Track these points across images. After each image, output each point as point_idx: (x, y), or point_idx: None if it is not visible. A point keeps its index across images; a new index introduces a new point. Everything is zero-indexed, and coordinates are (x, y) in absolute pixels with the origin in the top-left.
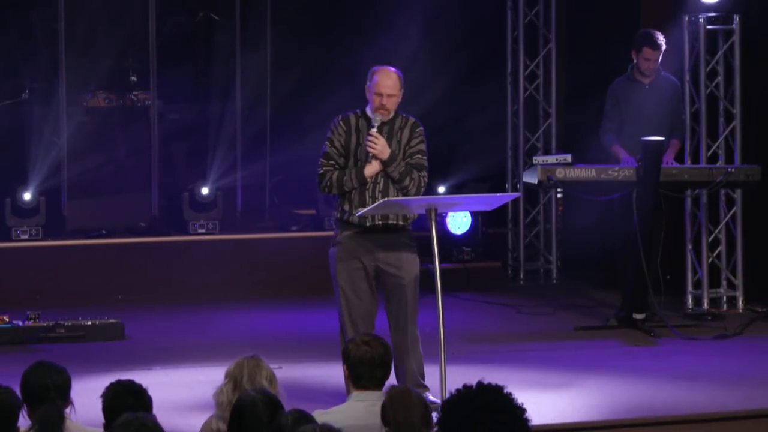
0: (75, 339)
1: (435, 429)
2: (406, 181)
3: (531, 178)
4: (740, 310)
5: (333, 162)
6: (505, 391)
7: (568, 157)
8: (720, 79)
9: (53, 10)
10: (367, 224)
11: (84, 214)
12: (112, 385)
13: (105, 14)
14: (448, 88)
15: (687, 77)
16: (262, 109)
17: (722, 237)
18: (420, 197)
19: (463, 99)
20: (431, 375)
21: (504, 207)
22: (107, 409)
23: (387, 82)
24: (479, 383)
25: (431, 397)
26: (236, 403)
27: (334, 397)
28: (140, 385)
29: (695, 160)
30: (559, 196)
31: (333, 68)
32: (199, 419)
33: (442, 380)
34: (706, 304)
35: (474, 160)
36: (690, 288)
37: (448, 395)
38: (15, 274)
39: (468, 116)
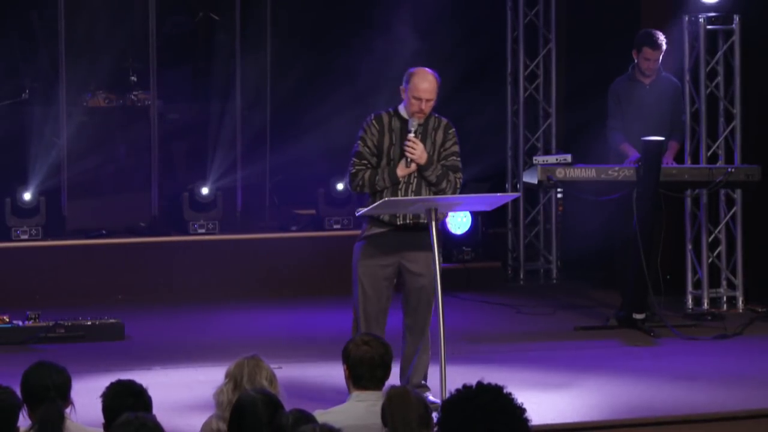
0: (75, 339)
1: (435, 429)
2: (443, 184)
3: (531, 178)
4: (740, 310)
5: (365, 161)
6: (505, 391)
7: (568, 157)
8: (720, 79)
9: (53, 10)
10: (398, 222)
11: (84, 214)
12: (112, 385)
13: (105, 14)
14: (448, 88)
15: (687, 77)
16: (262, 109)
17: (722, 237)
18: (420, 197)
19: (463, 99)
20: (431, 375)
21: (504, 207)
22: (107, 409)
23: (426, 85)
24: (479, 383)
25: (431, 397)
26: (236, 403)
27: (334, 397)
28: (140, 385)
29: (695, 160)
30: (559, 196)
31: (333, 68)
32: (199, 419)
33: (442, 380)
34: (706, 304)
35: (474, 160)
36: (690, 288)
37: (448, 395)
38: (15, 274)
39: (468, 116)
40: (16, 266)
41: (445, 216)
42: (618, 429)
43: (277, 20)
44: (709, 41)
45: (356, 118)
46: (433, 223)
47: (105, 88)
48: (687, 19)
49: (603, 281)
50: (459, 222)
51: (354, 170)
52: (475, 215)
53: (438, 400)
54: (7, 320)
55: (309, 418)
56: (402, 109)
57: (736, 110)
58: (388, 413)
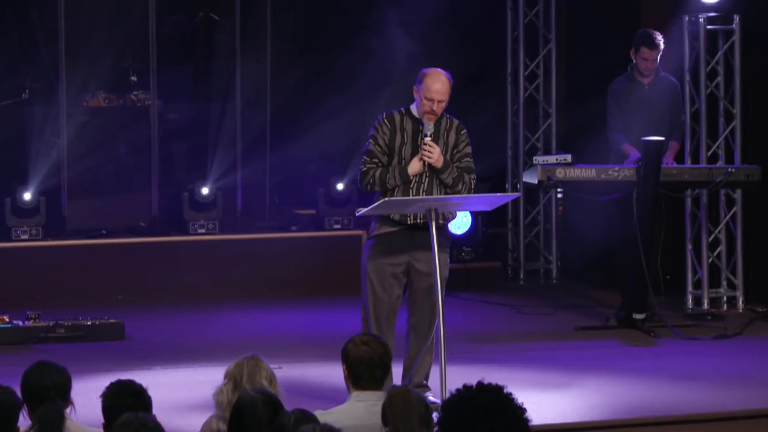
0: (75, 339)
1: (435, 429)
2: (459, 186)
3: (531, 178)
4: (740, 310)
5: (376, 160)
6: (505, 391)
7: (568, 157)
8: (720, 79)
9: (53, 10)
10: (409, 222)
11: (84, 214)
12: (112, 384)
13: (105, 14)
14: None
15: (687, 77)
16: (262, 108)
17: (722, 237)
18: (420, 197)
19: (463, 99)
20: (431, 375)
21: (504, 207)
22: (107, 409)
23: (438, 87)
24: (479, 383)
25: (431, 397)
26: (236, 403)
27: (334, 397)
28: (140, 385)
29: (695, 160)
30: (559, 196)
31: (333, 68)
32: (199, 419)
33: (442, 380)
34: (706, 304)
35: (474, 160)
36: (690, 288)
37: (448, 395)
38: (15, 274)
39: (468, 116)
40: (16, 266)
41: (454, 216)
42: (618, 429)
43: (277, 20)
44: (709, 41)
45: (356, 118)
46: (433, 223)
47: (105, 88)
48: (687, 19)
49: (603, 281)
50: (459, 222)
51: (365, 168)
52: (475, 215)
53: (438, 400)
54: (7, 320)
55: (310, 418)
56: (414, 109)
57: (736, 110)
58: (389, 413)
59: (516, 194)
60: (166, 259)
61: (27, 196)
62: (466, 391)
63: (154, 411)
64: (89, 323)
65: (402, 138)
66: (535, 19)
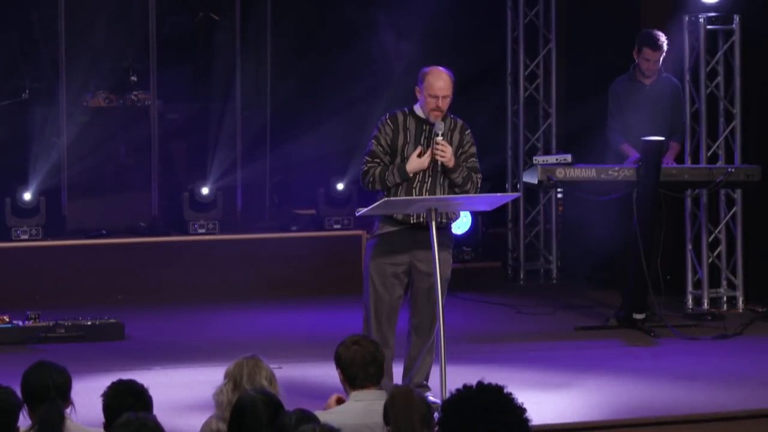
0: (75, 339)
1: (435, 429)
2: (468, 185)
3: (531, 178)
4: (740, 310)
5: (378, 160)
6: (505, 391)
7: (568, 157)
8: (720, 79)
9: (53, 10)
10: (412, 221)
11: (84, 214)
12: (113, 384)
13: (105, 14)
14: None
15: (687, 77)
16: (262, 108)
17: (722, 237)
18: (420, 197)
19: (463, 99)
20: (431, 375)
21: (504, 207)
22: (107, 408)
23: (440, 83)
24: (479, 383)
25: (431, 397)
26: (236, 403)
27: None
28: (141, 385)
29: (695, 160)
30: (559, 196)
31: (333, 68)
32: (199, 419)
33: (443, 380)
34: (706, 304)
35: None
36: (690, 288)
37: (448, 395)
38: (15, 274)
39: (468, 116)
40: (17, 266)
41: (457, 216)
42: (618, 429)
43: (277, 20)
44: (709, 41)
45: (356, 118)
46: (433, 223)
47: (105, 88)
48: (687, 19)
49: (603, 281)
50: (459, 222)
51: (366, 168)
52: (475, 215)
53: (438, 400)
54: (7, 320)
55: (311, 418)
56: (417, 109)
57: (736, 110)
58: (390, 412)
59: (516, 194)
60: (166, 259)
61: (27, 196)
62: (466, 391)
63: (154, 411)
64: (89, 323)
65: (405, 137)
66: (535, 19)
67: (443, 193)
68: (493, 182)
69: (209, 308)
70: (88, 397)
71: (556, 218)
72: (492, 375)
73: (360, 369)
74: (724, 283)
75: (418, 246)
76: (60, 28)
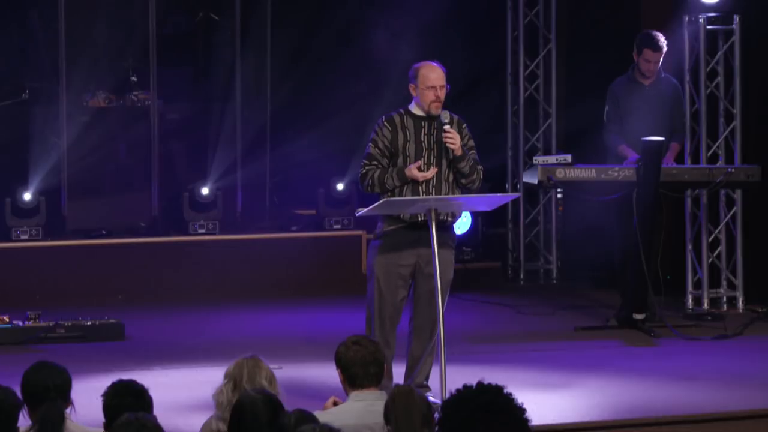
0: (75, 339)
1: (436, 429)
2: (474, 175)
3: (531, 178)
4: (740, 311)
5: (375, 162)
6: (505, 391)
7: (568, 157)
8: (720, 79)
9: (53, 10)
10: (420, 219)
11: (84, 214)
12: (113, 384)
13: (105, 14)
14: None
15: (687, 77)
16: (262, 108)
17: (722, 237)
18: (420, 197)
19: (462, 99)
20: (431, 375)
21: (504, 207)
22: (107, 408)
23: (435, 74)
24: (479, 383)
25: (431, 398)
26: (236, 403)
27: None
28: (141, 385)
29: (695, 160)
30: (559, 196)
31: (332, 68)
32: (199, 419)
33: (442, 380)
34: (706, 305)
35: None
36: (690, 288)
37: (448, 395)
38: (15, 274)
39: (468, 116)
40: (17, 266)
41: (460, 213)
42: (618, 429)
43: (277, 20)
44: (709, 41)
45: (356, 118)
46: (434, 223)
47: (105, 88)
48: (687, 19)
49: (603, 281)
50: (459, 222)
51: (363, 171)
52: (475, 215)
53: (438, 400)
54: (7, 320)
55: (310, 418)
56: (413, 108)
57: (736, 110)
58: (391, 412)
59: (516, 194)
60: (166, 259)
61: (27, 196)
62: (466, 391)
63: (155, 411)
64: (89, 323)
65: (405, 136)
66: (535, 19)
67: (449, 188)
68: (493, 182)
69: (209, 308)
70: (88, 397)
71: (556, 218)
72: (492, 375)
73: (360, 369)
74: (724, 283)
75: (423, 244)
76: (60, 28)
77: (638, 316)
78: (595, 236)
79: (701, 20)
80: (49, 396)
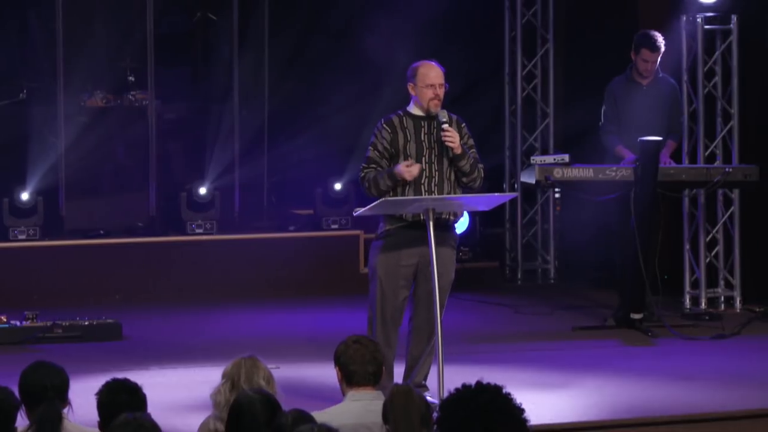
0: (73, 339)
1: (434, 429)
2: (475, 174)
3: (529, 178)
4: (738, 310)
5: (374, 165)
6: (503, 391)
7: (566, 157)
8: (718, 78)
9: (51, 10)
10: (421, 219)
11: (82, 214)
12: (107, 382)
13: (103, 14)
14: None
15: (685, 77)
16: (260, 108)
17: (720, 237)
18: (418, 197)
19: (461, 99)
20: (430, 375)
21: (502, 207)
22: (102, 406)
23: (434, 72)
24: (478, 383)
25: (430, 397)
26: (234, 403)
27: (332, 398)
28: (135, 383)
29: (693, 159)
30: (556, 196)
31: (330, 68)
32: (197, 419)
33: (441, 380)
34: (703, 304)
35: None
36: (688, 288)
37: (446, 395)
38: (13, 274)
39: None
40: (14, 266)
41: (461, 214)
42: (616, 429)
43: (274, 20)
44: (707, 41)
45: (354, 118)
46: (431, 223)
47: (103, 88)
48: (685, 19)
49: (601, 281)
50: (458, 222)
51: (362, 174)
52: (472, 215)
53: (436, 400)
54: (5, 320)
55: (308, 418)
56: (412, 108)
57: (734, 110)
58: (390, 411)
59: (514, 194)
60: (164, 259)
61: (25, 196)
62: (464, 391)
63: (152, 411)
64: (87, 323)
65: (405, 136)
66: (533, 19)
67: (451, 187)
68: (491, 182)
69: (207, 308)
70: (85, 397)
71: (554, 218)
72: (490, 375)
73: (359, 367)
74: (722, 283)
75: (425, 245)
76: (58, 28)
77: (636, 316)
78: (593, 236)
79: (699, 20)
80: (47, 396)
